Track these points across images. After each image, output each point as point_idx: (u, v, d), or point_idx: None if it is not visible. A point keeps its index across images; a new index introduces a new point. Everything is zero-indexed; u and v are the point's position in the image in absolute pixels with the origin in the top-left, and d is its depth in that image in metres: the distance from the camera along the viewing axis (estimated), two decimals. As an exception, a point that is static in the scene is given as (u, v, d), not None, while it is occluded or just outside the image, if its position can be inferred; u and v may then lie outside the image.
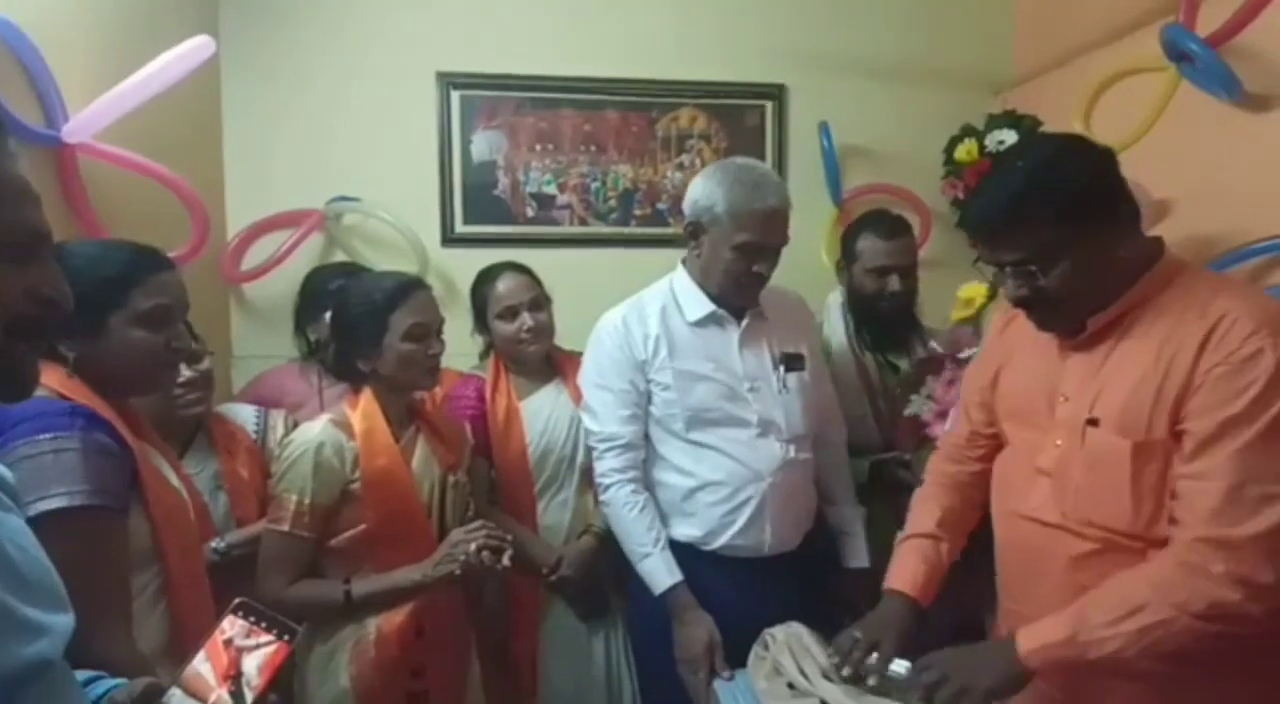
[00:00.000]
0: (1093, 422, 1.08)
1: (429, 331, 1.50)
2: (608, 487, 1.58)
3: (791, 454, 1.56)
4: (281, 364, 2.15)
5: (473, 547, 1.37)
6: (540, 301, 1.87)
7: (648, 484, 1.60)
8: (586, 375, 1.64)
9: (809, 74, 2.60)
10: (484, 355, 1.98)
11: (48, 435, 0.95)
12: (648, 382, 1.57)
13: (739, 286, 1.55)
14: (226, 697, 0.75)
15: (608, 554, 1.79)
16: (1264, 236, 1.67)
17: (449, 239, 2.53)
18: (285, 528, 1.38)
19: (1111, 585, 1.03)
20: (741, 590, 1.51)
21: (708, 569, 1.53)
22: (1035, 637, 1.04)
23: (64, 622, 0.70)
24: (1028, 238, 1.04)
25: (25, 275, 0.66)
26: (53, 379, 1.01)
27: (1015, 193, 1.05)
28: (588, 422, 1.63)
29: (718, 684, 1.38)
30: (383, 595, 1.41)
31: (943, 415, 1.69)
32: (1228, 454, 0.96)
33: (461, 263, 2.49)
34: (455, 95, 2.50)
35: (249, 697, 0.75)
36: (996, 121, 2.44)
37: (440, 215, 2.53)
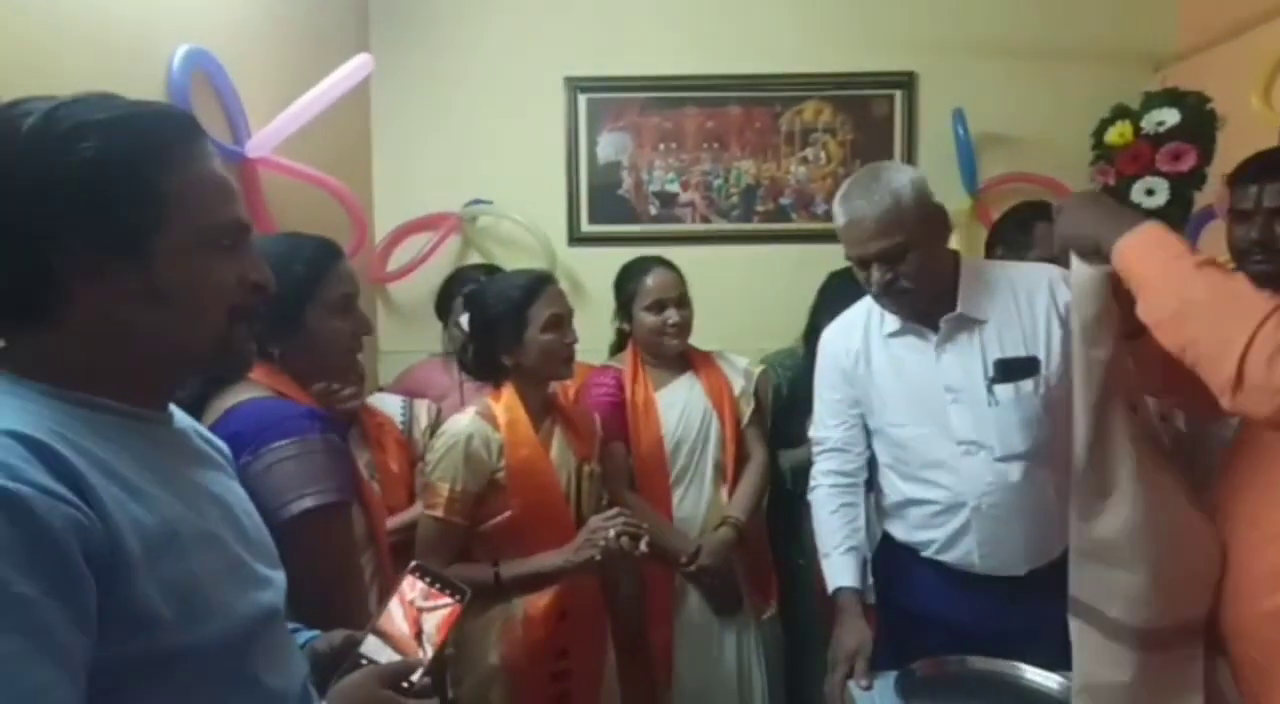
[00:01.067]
0: None
1: (564, 322, 1.56)
2: (814, 487, 1.55)
3: (1010, 475, 1.35)
4: (425, 359, 2.27)
5: (611, 532, 1.41)
6: (685, 299, 1.91)
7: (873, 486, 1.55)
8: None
9: (941, 59, 2.51)
10: (615, 350, 2.03)
11: (293, 439, 1.02)
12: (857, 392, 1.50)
13: (877, 299, 1.41)
14: (414, 641, 0.81)
15: (745, 551, 1.79)
16: None
17: (575, 238, 2.61)
18: (440, 513, 1.45)
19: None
20: (952, 602, 1.41)
21: (921, 571, 1.45)
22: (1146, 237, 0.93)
23: (280, 578, 0.78)
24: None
25: (238, 264, 0.72)
26: (262, 375, 1.09)
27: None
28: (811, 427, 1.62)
29: (853, 688, 1.34)
30: (529, 578, 1.46)
31: None
32: None
33: (587, 261, 2.57)
34: (582, 99, 2.57)
35: (429, 650, 0.81)
36: (1156, 100, 2.25)
37: (567, 216, 2.60)
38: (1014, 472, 1.34)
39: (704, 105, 2.59)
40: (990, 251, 2.04)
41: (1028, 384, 1.34)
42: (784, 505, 1.99)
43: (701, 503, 1.83)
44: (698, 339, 1.98)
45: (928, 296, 1.36)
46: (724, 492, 1.85)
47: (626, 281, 1.94)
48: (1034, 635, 1.26)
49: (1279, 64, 1.87)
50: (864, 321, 1.49)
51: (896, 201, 1.29)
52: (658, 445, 1.83)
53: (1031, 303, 1.37)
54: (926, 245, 1.32)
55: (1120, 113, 2.34)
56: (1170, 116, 2.20)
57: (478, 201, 2.52)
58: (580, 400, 1.87)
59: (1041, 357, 1.34)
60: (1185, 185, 2.26)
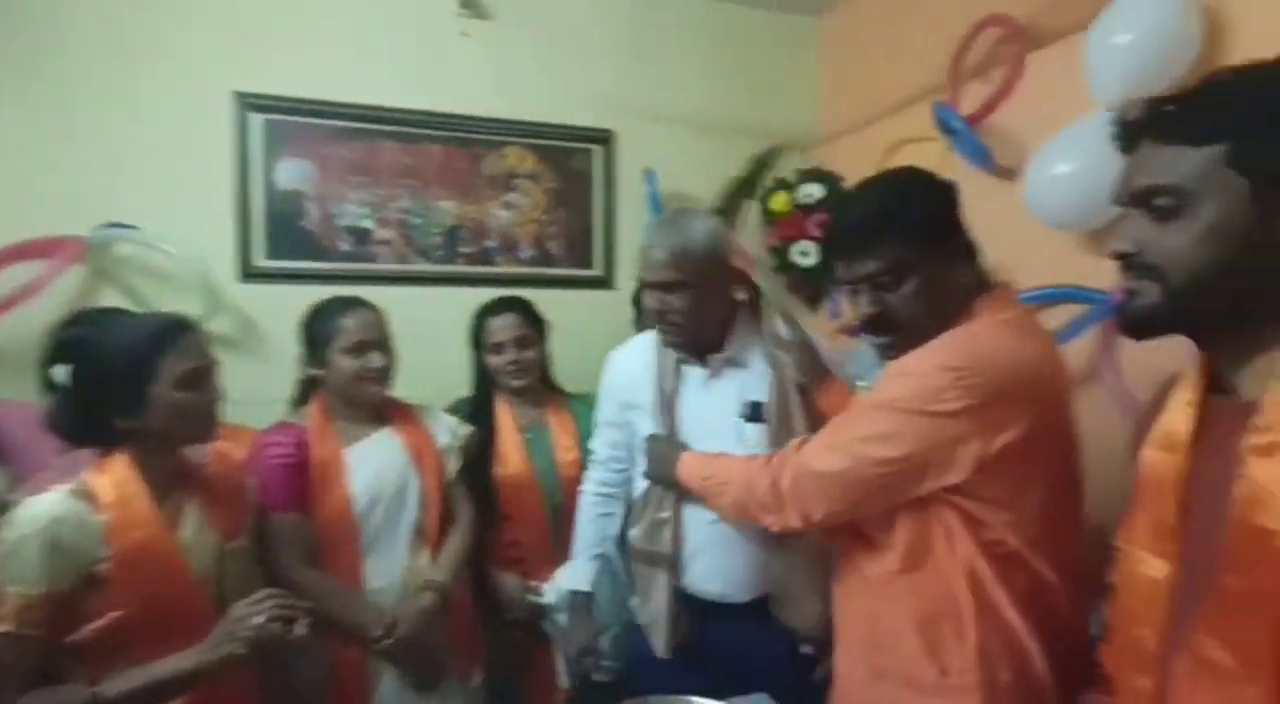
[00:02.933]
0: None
1: (205, 376, 1.31)
2: (583, 492, 1.74)
3: None
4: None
5: (258, 620, 1.18)
6: (389, 343, 1.73)
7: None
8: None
9: (635, 122, 2.67)
10: (298, 403, 1.77)
11: None
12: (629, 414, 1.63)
13: (654, 324, 1.55)
14: None
15: (451, 615, 1.65)
16: (1019, 289, 1.91)
17: (249, 274, 2.27)
18: (8, 627, 1.11)
19: (745, 458, 1.34)
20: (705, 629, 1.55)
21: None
22: (692, 455, 1.42)
23: None
24: (884, 251, 1.13)
25: None
26: None
27: (872, 210, 1.15)
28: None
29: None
30: (143, 693, 1.15)
31: None
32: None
33: (264, 300, 2.26)
34: (256, 118, 2.28)
35: None
36: (806, 176, 2.64)
37: (237, 248, 2.27)
38: None
39: (400, 140, 2.45)
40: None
41: (761, 426, 1.49)
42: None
43: (399, 569, 1.65)
44: (398, 384, 1.81)
45: (694, 334, 1.49)
46: (426, 555, 1.68)
47: (320, 321, 1.71)
48: (756, 659, 1.42)
49: (886, 155, 2.28)
50: (650, 345, 1.61)
51: (685, 245, 1.43)
52: (346, 509, 1.61)
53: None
54: (703, 289, 1.45)
55: (781, 185, 2.69)
56: (817, 190, 2.59)
57: (116, 226, 2.08)
58: (252, 464, 1.58)
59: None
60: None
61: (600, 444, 1.71)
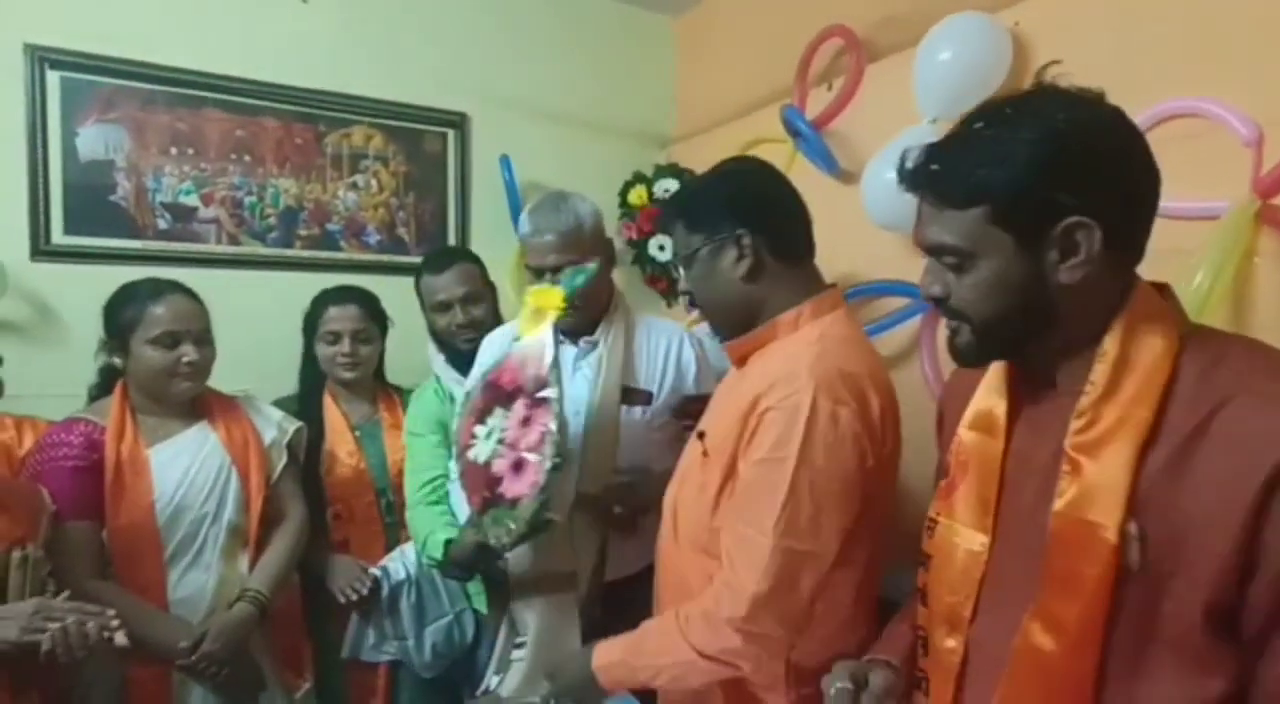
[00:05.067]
0: (700, 434, 1.20)
1: None
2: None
3: None
4: None
5: (70, 620, 1.09)
6: (206, 334, 1.58)
7: None
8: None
9: (490, 107, 2.59)
10: (97, 394, 1.59)
11: None
12: None
13: None
14: None
15: (274, 624, 1.54)
16: (856, 283, 2.02)
17: (42, 251, 2.02)
18: None
19: (668, 616, 1.11)
20: None
21: None
22: (604, 654, 1.14)
23: None
24: (677, 234, 1.18)
25: None
26: None
27: (674, 195, 1.19)
28: None
29: None
30: None
31: (518, 467, 1.30)
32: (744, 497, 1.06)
33: (61, 281, 2.01)
34: (53, 76, 2.02)
35: None
36: (662, 171, 2.67)
37: (30, 222, 2.00)
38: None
39: (231, 110, 2.25)
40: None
41: (636, 411, 1.52)
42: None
43: (211, 578, 1.51)
44: (224, 378, 1.67)
45: (593, 313, 1.52)
46: (244, 561, 1.56)
47: (123, 306, 1.54)
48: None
49: (745, 148, 2.34)
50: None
51: (579, 224, 1.45)
52: (145, 516, 1.46)
53: (654, 348, 1.57)
54: (601, 266, 1.48)
55: (638, 178, 2.70)
56: (673, 186, 2.62)
57: None
58: (34, 463, 1.40)
59: (654, 391, 1.54)
60: (685, 245, 2.71)
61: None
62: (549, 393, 1.29)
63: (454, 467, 1.48)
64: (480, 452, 1.34)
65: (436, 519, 1.57)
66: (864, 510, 1.06)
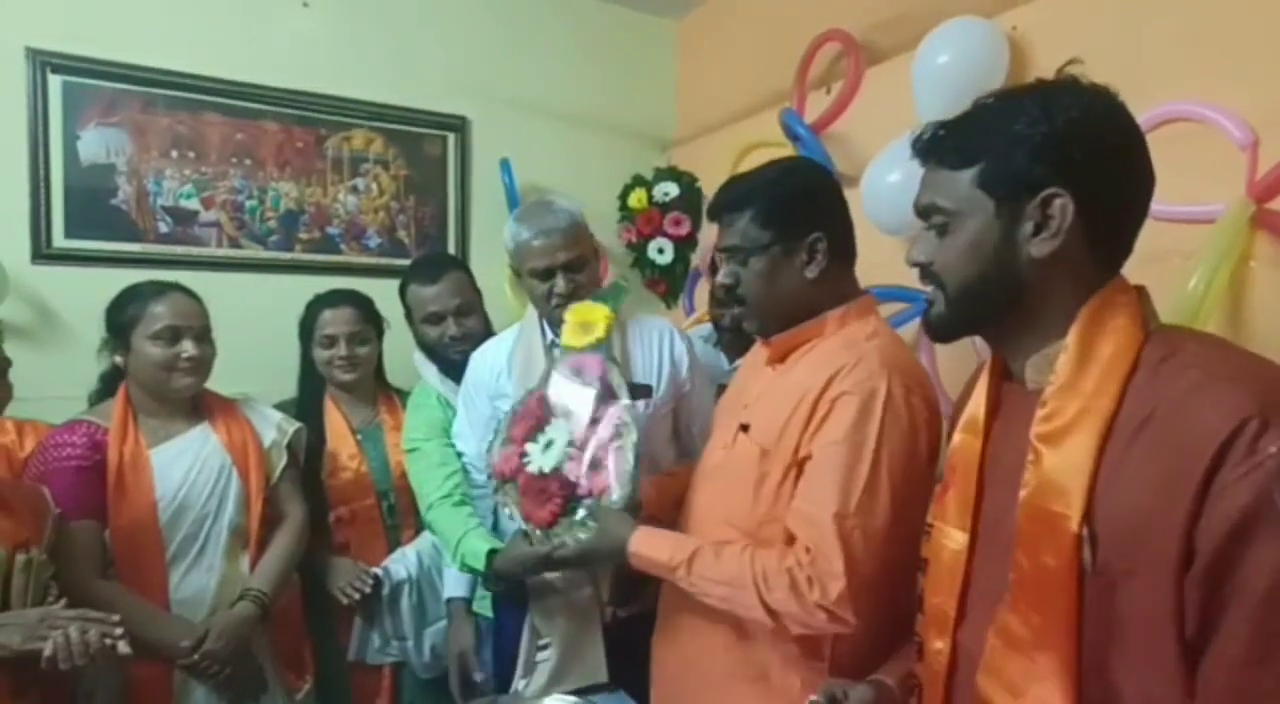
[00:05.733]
0: (744, 427, 1.20)
1: None
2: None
3: None
4: None
5: (73, 629, 1.10)
6: (206, 332, 1.59)
7: None
8: None
9: (491, 109, 2.60)
10: (100, 396, 1.59)
11: None
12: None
13: (556, 308, 1.50)
14: None
15: (275, 624, 1.55)
16: None
17: (43, 254, 2.02)
18: None
19: (730, 554, 1.12)
20: None
21: None
22: (648, 545, 1.17)
23: None
24: (741, 227, 1.18)
25: None
26: None
27: (741, 188, 1.21)
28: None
29: None
30: None
31: (595, 464, 1.31)
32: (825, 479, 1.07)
33: (63, 284, 2.02)
34: (55, 80, 2.03)
35: None
36: (662, 175, 2.68)
37: (31, 225, 2.01)
38: None
39: (231, 114, 2.25)
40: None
41: (639, 405, 1.45)
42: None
43: (212, 578, 1.52)
44: (223, 380, 1.67)
45: None
46: (245, 561, 1.57)
47: (125, 305, 1.55)
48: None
49: (739, 158, 2.36)
50: (523, 339, 1.56)
51: (575, 220, 1.48)
52: (147, 515, 1.46)
53: (648, 344, 1.56)
54: (594, 264, 1.53)
55: (638, 182, 2.72)
56: (673, 189, 2.64)
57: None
58: (35, 466, 1.41)
59: (653, 385, 1.52)
60: (684, 248, 2.72)
61: (470, 445, 1.61)
62: (615, 385, 1.34)
63: (490, 487, 1.45)
64: (543, 462, 1.32)
65: (466, 522, 1.51)
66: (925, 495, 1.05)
